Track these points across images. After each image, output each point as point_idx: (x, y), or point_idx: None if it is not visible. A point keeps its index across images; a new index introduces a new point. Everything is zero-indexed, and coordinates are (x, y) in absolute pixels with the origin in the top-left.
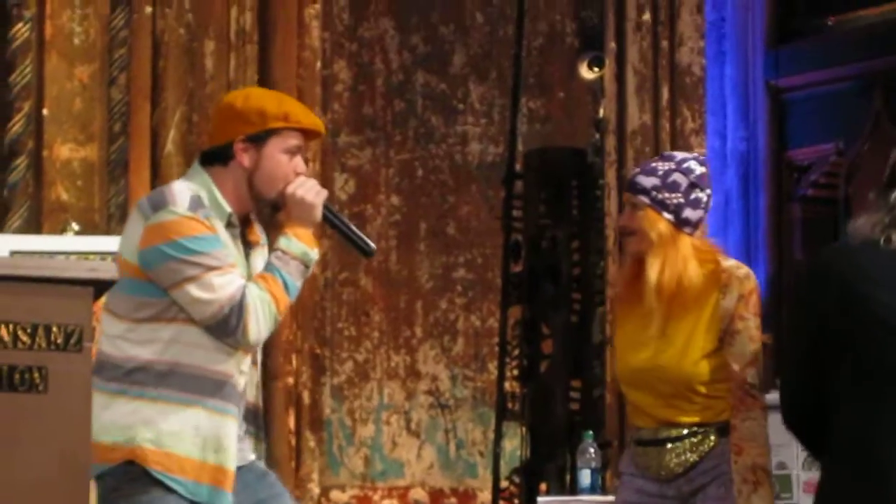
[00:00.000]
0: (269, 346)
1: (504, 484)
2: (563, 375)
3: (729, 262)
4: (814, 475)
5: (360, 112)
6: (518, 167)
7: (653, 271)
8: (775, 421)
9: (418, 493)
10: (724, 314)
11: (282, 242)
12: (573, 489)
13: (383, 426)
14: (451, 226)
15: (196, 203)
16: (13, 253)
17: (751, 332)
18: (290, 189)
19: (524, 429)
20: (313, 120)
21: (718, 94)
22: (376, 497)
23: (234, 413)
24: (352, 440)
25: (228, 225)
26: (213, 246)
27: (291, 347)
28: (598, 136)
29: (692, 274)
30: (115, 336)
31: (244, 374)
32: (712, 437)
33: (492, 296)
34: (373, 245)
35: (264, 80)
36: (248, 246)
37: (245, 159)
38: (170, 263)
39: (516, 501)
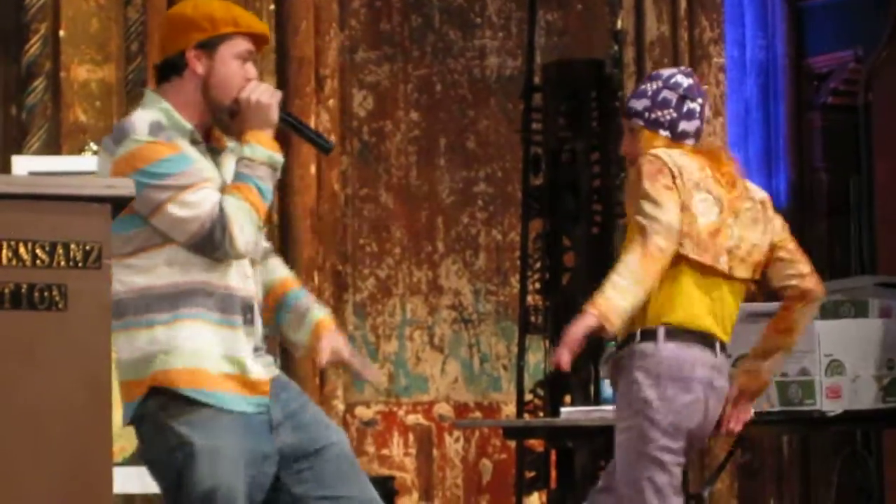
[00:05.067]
0: (292, 265)
1: (528, 397)
2: (585, 287)
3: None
4: (836, 380)
5: (377, 28)
6: (536, 80)
7: None
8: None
9: (443, 408)
10: None
11: (246, 150)
12: (597, 400)
13: (407, 342)
14: (471, 140)
15: (156, 127)
16: (32, 174)
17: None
18: (243, 94)
19: (547, 342)
20: (262, 25)
21: (737, 2)
22: (401, 412)
23: (239, 324)
24: (376, 356)
25: (193, 142)
26: (182, 165)
27: (313, 265)
28: (616, 47)
29: None
30: (119, 275)
31: (249, 280)
32: None
33: (512, 209)
34: (331, 141)
35: None
36: (215, 153)
37: (198, 67)
38: (144, 192)
39: (541, 414)
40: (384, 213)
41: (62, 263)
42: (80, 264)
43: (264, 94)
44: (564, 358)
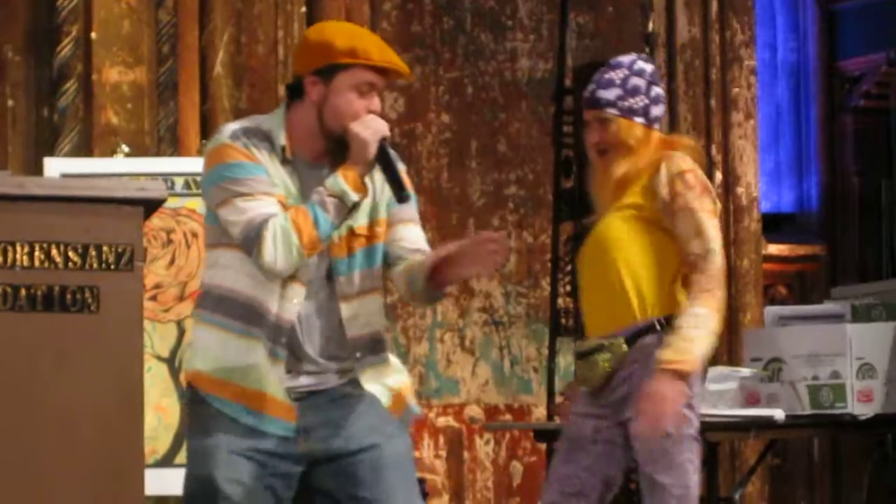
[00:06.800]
0: None
1: (559, 399)
2: None
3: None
4: (867, 384)
5: (408, 30)
6: (568, 82)
7: (620, 168)
8: (828, 330)
9: (473, 410)
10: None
11: (328, 179)
12: None
13: (437, 344)
14: (502, 143)
15: (239, 133)
16: (64, 176)
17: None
18: (351, 126)
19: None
20: (387, 57)
21: (768, 5)
22: (431, 414)
23: (261, 338)
24: (406, 358)
25: (284, 161)
26: (247, 173)
27: None
28: (647, 50)
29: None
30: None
31: (287, 300)
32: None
33: (543, 212)
34: (409, 193)
35: (312, 1)
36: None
37: (314, 93)
38: (211, 189)
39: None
40: None
41: (94, 266)
42: (112, 266)
43: (367, 129)
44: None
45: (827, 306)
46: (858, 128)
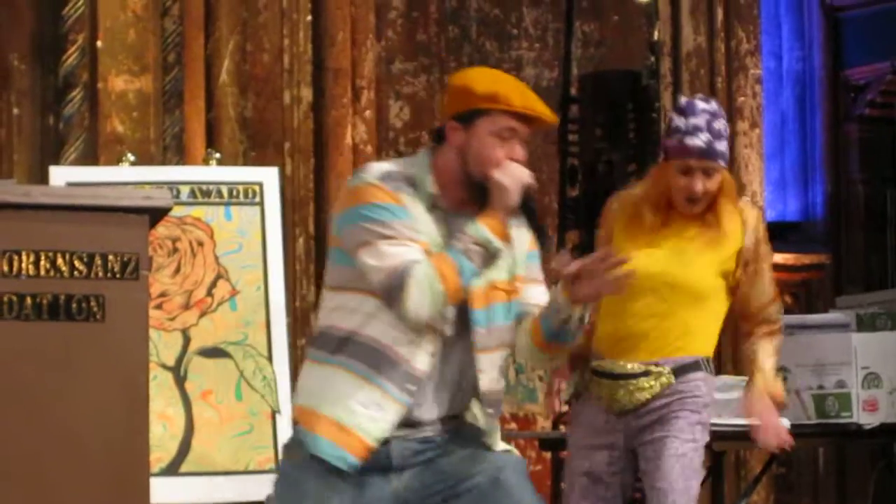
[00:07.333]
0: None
1: (564, 409)
2: None
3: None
4: (873, 393)
5: (414, 39)
6: (573, 91)
7: (725, 220)
8: (833, 339)
9: None
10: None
11: (470, 226)
12: None
13: None
14: None
15: (387, 175)
16: (70, 184)
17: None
18: (493, 173)
19: None
20: (530, 104)
21: (773, 13)
22: None
23: (384, 386)
24: None
25: (433, 206)
26: (393, 216)
27: None
28: (653, 58)
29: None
30: (321, 306)
31: (422, 350)
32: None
33: (549, 220)
34: (550, 238)
35: (318, 9)
36: (451, 222)
37: (455, 139)
38: (352, 229)
39: None
40: None
41: (100, 274)
42: (117, 275)
43: (510, 177)
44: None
45: (832, 315)
46: (864, 136)
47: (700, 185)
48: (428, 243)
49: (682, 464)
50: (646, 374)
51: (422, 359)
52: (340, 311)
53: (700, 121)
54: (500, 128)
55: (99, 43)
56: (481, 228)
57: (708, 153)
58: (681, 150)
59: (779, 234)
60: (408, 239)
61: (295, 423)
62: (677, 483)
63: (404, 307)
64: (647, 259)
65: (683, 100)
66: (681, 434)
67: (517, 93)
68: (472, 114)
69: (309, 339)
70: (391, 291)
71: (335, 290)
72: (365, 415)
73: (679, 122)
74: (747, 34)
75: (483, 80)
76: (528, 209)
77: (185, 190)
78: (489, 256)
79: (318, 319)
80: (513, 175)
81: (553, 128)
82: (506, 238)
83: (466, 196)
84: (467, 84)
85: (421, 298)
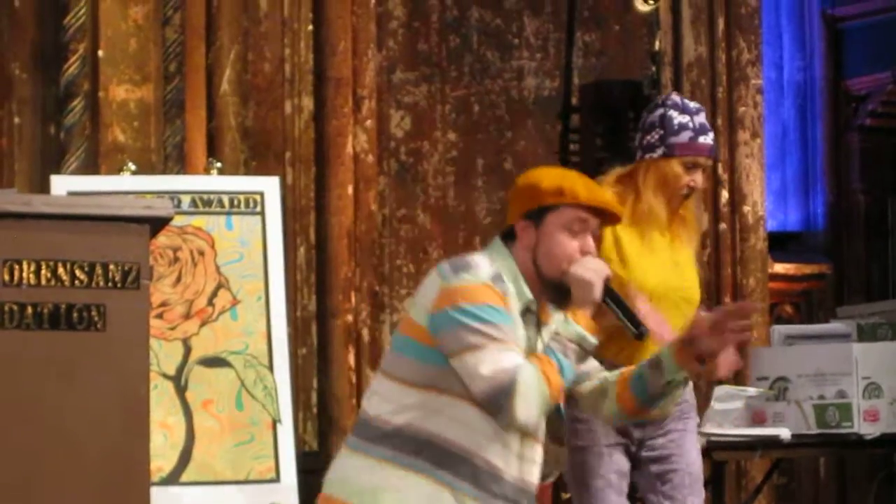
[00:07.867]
0: (328, 285)
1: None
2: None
3: None
4: (873, 403)
5: (415, 48)
6: (574, 101)
7: (703, 215)
8: (834, 349)
9: None
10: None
11: (560, 324)
12: None
13: None
14: (509, 161)
15: (498, 277)
16: (71, 194)
17: None
18: (571, 268)
19: None
20: (596, 196)
21: (774, 24)
22: None
23: (469, 493)
24: None
25: (527, 310)
26: (503, 319)
27: (350, 285)
28: (654, 68)
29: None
30: (382, 396)
31: (513, 454)
32: None
33: None
34: (646, 328)
35: (319, 19)
36: (540, 326)
37: (525, 238)
38: (455, 330)
39: None
40: (421, 233)
41: (101, 284)
42: (118, 284)
43: (588, 270)
44: None
45: (833, 325)
46: (865, 146)
47: (699, 179)
48: (523, 347)
49: (698, 451)
50: (677, 384)
51: (530, 470)
52: (420, 410)
53: (704, 119)
54: (570, 220)
55: (100, 52)
56: (574, 325)
57: (707, 150)
58: (692, 148)
59: (780, 244)
60: (514, 343)
61: None
62: (700, 467)
63: (513, 415)
64: (663, 270)
65: (676, 97)
66: (693, 431)
67: (583, 186)
68: (541, 210)
69: (363, 427)
70: (496, 399)
71: (407, 383)
72: None
73: (683, 119)
74: (748, 44)
75: (549, 176)
76: (617, 302)
77: (186, 199)
78: (584, 353)
79: (375, 407)
80: (592, 268)
81: (619, 220)
82: (597, 332)
83: (546, 297)
84: (534, 182)
85: (528, 406)
